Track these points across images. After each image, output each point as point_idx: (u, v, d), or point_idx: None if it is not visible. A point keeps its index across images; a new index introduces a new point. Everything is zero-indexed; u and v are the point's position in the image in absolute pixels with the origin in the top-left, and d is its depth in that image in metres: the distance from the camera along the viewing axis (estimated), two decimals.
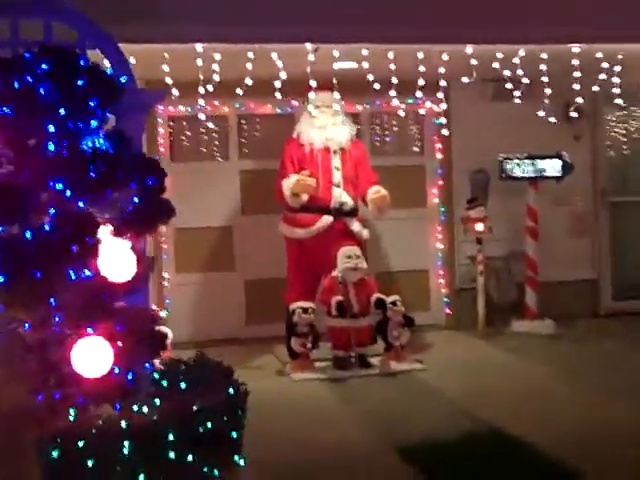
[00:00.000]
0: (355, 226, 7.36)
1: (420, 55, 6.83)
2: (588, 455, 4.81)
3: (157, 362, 4.64)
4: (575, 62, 7.04)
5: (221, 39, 6.31)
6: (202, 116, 7.05)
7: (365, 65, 6.69)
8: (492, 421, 5.49)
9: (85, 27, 4.61)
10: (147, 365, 4.05)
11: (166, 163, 7.98)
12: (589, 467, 4.60)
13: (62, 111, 3.68)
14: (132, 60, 5.68)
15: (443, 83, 7.22)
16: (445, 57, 6.92)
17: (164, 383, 4.16)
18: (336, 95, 7.17)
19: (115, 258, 3.83)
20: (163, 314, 7.75)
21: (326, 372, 6.94)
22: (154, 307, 7.20)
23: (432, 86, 7.20)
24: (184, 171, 8.09)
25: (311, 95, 7.28)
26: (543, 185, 8.41)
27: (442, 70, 7.02)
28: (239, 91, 6.54)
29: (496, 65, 7.02)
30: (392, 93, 6.87)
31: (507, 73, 7.14)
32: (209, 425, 3.48)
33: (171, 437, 3.33)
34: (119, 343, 3.73)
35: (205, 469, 3.45)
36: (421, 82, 6.93)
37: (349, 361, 7.04)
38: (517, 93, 7.28)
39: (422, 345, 7.84)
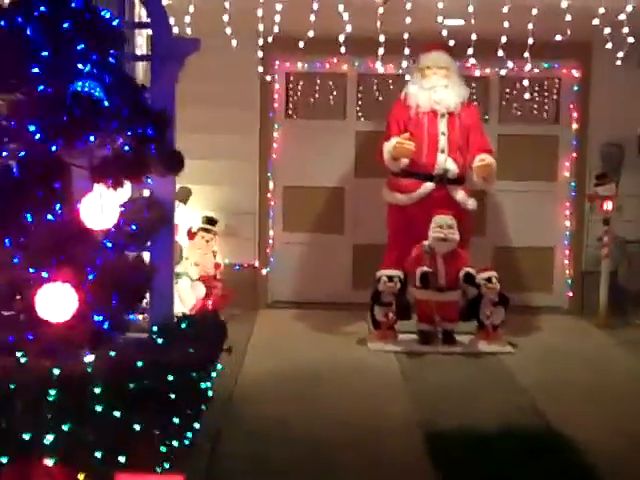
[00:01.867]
0: (459, 195, 6.92)
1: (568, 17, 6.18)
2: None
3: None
4: None
5: None
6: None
7: (504, 24, 6.12)
8: (551, 419, 5.02)
9: None
10: (129, 316, 3.97)
11: (280, 119, 7.99)
12: None
13: (45, 53, 3.65)
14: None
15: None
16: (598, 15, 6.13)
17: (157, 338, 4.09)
18: (444, 56, 6.75)
19: (92, 205, 3.78)
20: (264, 272, 7.88)
21: (407, 345, 6.62)
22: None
23: (572, 49, 6.55)
24: (297, 128, 7.97)
25: (422, 55, 6.94)
26: None
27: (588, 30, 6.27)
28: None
29: None
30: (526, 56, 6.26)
31: None
32: (144, 383, 3.36)
33: (97, 390, 3.25)
34: (88, 290, 3.68)
35: (138, 428, 3.34)
36: (561, 42, 6.24)
37: (433, 336, 6.69)
38: None
39: (528, 327, 7.31)
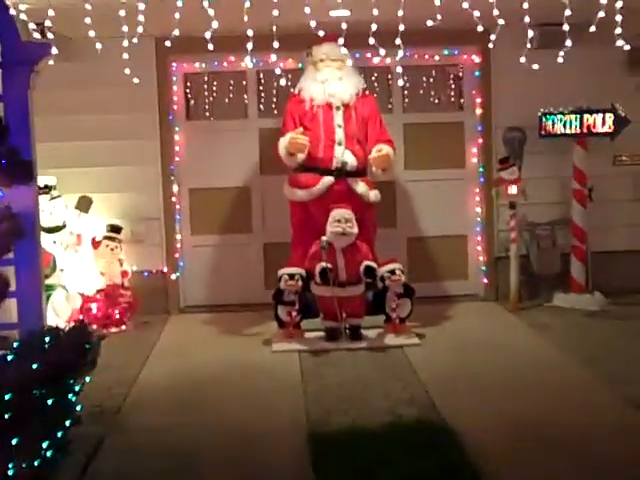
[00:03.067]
0: (360, 187, 6.81)
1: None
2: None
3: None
4: None
5: None
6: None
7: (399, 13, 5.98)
8: (444, 412, 4.92)
9: None
10: None
11: (180, 121, 7.84)
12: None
13: None
14: None
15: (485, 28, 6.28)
16: None
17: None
18: (341, 47, 6.61)
19: None
20: (174, 277, 7.74)
21: (312, 343, 6.51)
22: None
23: (470, 34, 6.42)
24: (199, 129, 7.84)
25: (315, 48, 6.83)
26: (598, 143, 7.49)
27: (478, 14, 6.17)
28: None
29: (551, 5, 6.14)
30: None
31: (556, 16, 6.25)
32: None
33: None
34: None
35: None
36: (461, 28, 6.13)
37: (339, 332, 6.59)
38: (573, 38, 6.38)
39: (441, 317, 7.25)
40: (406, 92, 7.95)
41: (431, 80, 8.00)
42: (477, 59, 7.80)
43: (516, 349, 6.31)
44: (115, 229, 7.41)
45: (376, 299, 6.63)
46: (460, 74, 7.99)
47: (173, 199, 7.75)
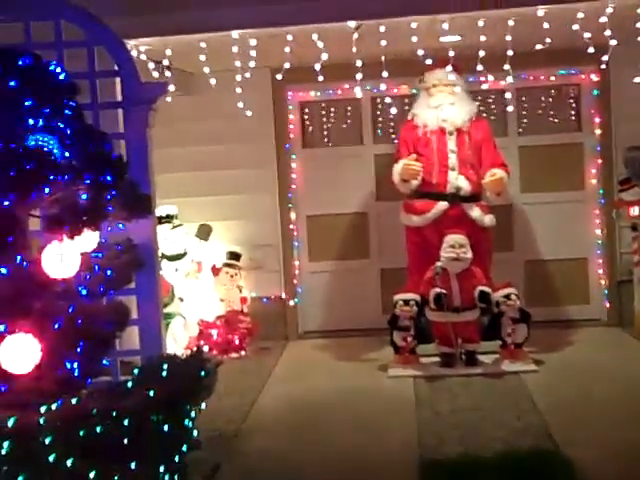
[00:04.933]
0: (474, 212, 6.78)
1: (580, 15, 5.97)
2: None
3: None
4: None
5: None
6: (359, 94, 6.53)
7: (508, 37, 5.98)
8: (560, 442, 4.83)
9: (87, 24, 4.66)
10: (104, 362, 4.02)
11: (297, 149, 8.00)
12: None
13: None
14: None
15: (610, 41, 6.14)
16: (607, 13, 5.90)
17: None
18: (453, 72, 6.62)
19: (52, 254, 3.84)
20: (292, 303, 7.87)
21: (428, 369, 6.50)
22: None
23: (587, 53, 6.35)
24: (315, 157, 7.99)
25: (427, 74, 6.87)
26: None
27: (607, 26, 6.04)
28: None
29: None
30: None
31: None
32: (99, 430, 3.38)
33: (48, 440, 3.29)
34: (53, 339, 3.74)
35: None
36: (577, 48, 6.05)
37: (455, 358, 6.55)
38: None
39: (561, 342, 7.10)
40: (522, 114, 7.87)
41: (547, 101, 7.89)
42: (595, 78, 7.65)
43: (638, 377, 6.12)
44: (234, 256, 7.62)
45: (491, 324, 6.56)
46: (578, 94, 7.85)
47: (291, 226, 7.91)
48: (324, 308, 8.03)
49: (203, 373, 4.44)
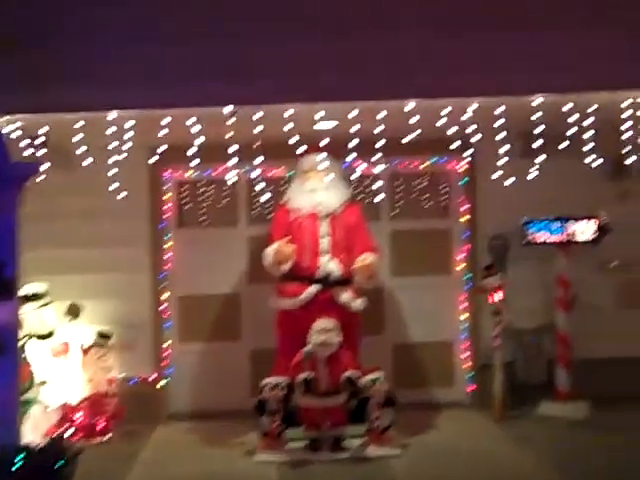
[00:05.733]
0: (344, 296, 6.90)
1: (445, 110, 6.28)
2: None
3: None
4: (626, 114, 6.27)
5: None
6: (233, 178, 6.73)
7: (380, 124, 6.22)
8: None
9: None
10: None
11: (172, 228, 7.98)
12: None
13: None
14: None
15: (473, 136, 6.50)
16: (470, 111, 6.25)
17: None
18: (327, 157, 6.80)
19: None
20: (161, 384, 7.75)
21: (294, 454, 6.49)
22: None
23: (458, 142, 6.65)
24: (190, 236, 7.99)
25: (302, 159, 7.03)
26: (581, 250, 7.59)
27: (468, 124, 6.38)
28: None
29: (529, 118, 6.36)
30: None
31: (540, 127, 6.47)
32: None
33: None
34: None
35: None
36: (446, 138, 6.35)
37: (322, 442, 6.57)
38: (557, 147, 6.59)
39: (425, 425, 7.22)
40: (394, 199, 8.12)
41: (419, 187, 8.18)
42: (463, 167, 7.99)
43: (499, 461, 6.27)
44: (104, 336, 7.46)
45: (359, 408, 6.62)
46: (447, 182, 8.17)
47: (163, 306, 7.84)
48: (194, 390, 7.94)
49: (61, 463, 4.34)
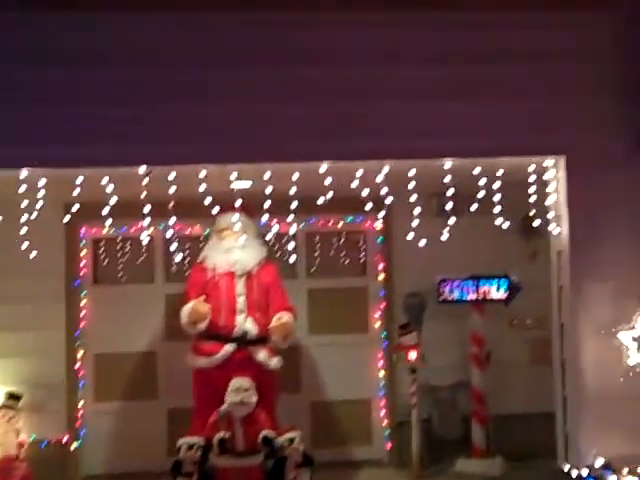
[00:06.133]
0: (261, 355, 6.89)
1: (359, 173, 6.38)
2: None
3: None
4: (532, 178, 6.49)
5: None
6: (146, 238, 6.72)
7: (294, 185, 6.28)
8: None
9: None
10: None
11: (88, 286, 7.89)
12: None
13: None
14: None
15: (386, 198, 6.60)
16: (383, 174, 6.39)
17: None
18: (239, 217, 6.83)
19: None
20: (74, 446, 7.58)
21: None
22: None
23: (373, 202, 6.76)
24: (107, 294, 7.91)
25: (219, 217, 7.04)
26: (494, 307, 7.76)
27: (382, 185, 6.48)
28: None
29: (443, 180, 6.50)
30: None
31: (451, 189, 6.63)
32: None
33: None
34: None
35: None
36: (361, 198, 6.46)
37: None
38: (469, 208, 6.75)
39: None
40: (311, 257, 8.19)
41: (336, 246, 8.28)
42: (379, 226, 8.12)
43: None
44: (13, 397, 7.28)
45: (275, 468, 6.55)
46: (363, 240, 8.29)
47: (77, 365, 7.70)
48: (109, 451, 7.79)
49: None
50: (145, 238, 6.39)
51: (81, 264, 7.87)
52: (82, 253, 7.88)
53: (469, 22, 6.29)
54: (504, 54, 6.24)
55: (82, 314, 7.82)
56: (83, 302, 7.84)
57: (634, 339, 6.08)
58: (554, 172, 6.53)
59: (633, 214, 6.47)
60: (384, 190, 6.36)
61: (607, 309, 6.36)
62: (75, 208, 6.44)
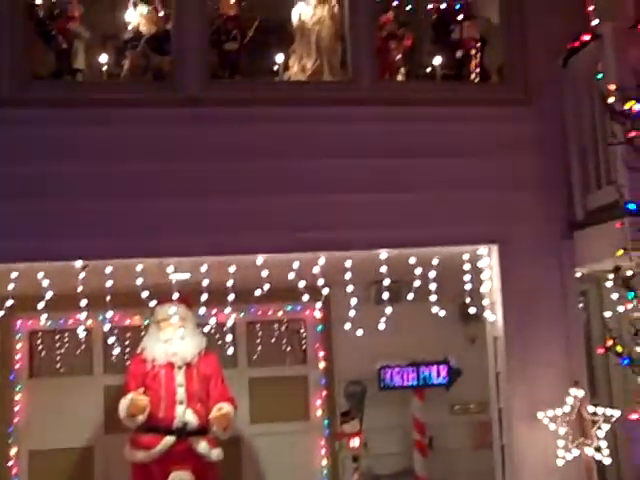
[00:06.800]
0: (201, 446, 6.82)
1: (295, 264, 6.44)
2: None
3: None
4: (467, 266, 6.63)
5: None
6: (82, 332, 6.66)
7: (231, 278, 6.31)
8: None
9: None
10: None
11: (23, 379, 7.74)
12: None
13: None
14: None
15: (323, 288, 6.64)
16: (319, 265, 6.46)
17: None
18: (177, 308, 6.83)
19: None
20: None
21: None
22: None
23: (311, 291, 6.84)
24: (43, 387, 7.75)
25: (158, 308, 7.00)
26: (435, 393, 7.81)
27: (320, 274, 6.53)
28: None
29: (380, 269, 6.59)
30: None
31: (389, 277, 6.72)
32: None
33: None
34: None
35: None
36: (300, 287, 6.49)
37: None
38: (406, 296, 6.83)
39: None
40: (251, 346, 8.17)
41: (276, 334, 8.28)
42: (318, 314, 8.16)
43: None
44: None
45: None
46: (304, 328, 8.32)
47: (10, 463, 7.49)
48: None
49: None
50: (82, 332, 6.35)
51: (16, 357, 7.73)
52: (17, 346, 7.76)
53: (400, 116, 6.47)
54: (436, 148, 6.40)
55: (16, 409, 7.64)
56: (18, 397, 7.67)
57: (566, 423, 6.11)
58: (488, 260, 6.68)
59: (563, 298, 6.62)
60: (321, 281, 6.42)
61: (543, 393, 6.43)
62: (9, 302, 6.39)
